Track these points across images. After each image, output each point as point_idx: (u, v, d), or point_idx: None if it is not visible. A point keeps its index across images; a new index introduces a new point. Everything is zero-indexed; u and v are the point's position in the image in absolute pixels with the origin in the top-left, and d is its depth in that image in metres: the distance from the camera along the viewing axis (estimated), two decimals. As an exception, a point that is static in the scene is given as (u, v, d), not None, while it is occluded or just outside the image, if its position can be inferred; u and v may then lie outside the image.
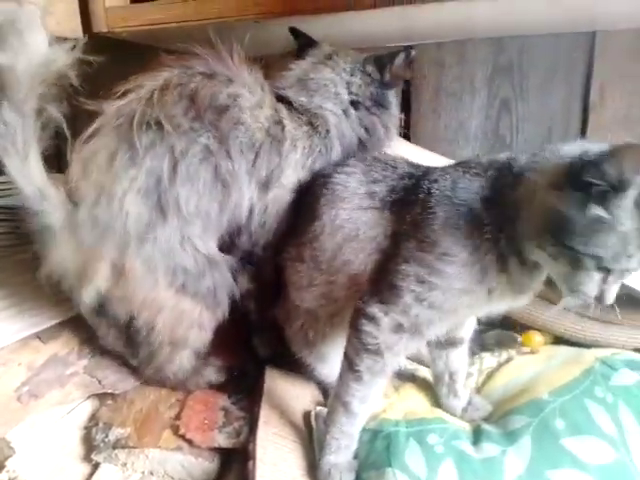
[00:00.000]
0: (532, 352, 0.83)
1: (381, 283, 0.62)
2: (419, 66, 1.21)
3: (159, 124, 0.66)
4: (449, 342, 0.71)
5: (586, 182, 0.49)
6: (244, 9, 0.77)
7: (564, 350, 0.81)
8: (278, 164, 0.72)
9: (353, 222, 0.65)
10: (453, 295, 0.58)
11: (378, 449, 0.62)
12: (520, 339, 0.87)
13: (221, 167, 0.69)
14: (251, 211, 0.73)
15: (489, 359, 0.82)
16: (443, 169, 0.65)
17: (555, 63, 1.12)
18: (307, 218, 0.71)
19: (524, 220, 0.55)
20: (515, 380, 0.76)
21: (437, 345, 0.71)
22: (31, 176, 0.64)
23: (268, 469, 0.59)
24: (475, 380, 0.79)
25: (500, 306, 0.63)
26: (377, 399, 0.64)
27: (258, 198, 0.73)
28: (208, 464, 0.66)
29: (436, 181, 0.62)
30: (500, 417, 0.70)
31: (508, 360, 0.81)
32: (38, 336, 0.72)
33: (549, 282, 0.81)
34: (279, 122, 0.73)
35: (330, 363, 0.74)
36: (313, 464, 0.63)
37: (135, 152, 0.66)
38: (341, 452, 0.62)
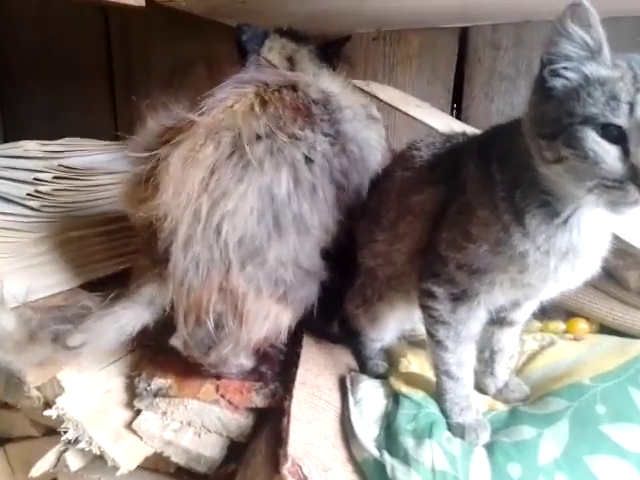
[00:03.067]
0: (576, 339, 0.81)
1: (431, 255, 0.63)
2: (474, 48, 1.19)
3: (269, 136, 0.62)
4: (499, 320, 0.70)
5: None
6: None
7: (610, 339, 0.79)
8: (379, 141, 0.75)
9: (416, 193, 0.66)
10: (484, 258, 0.58)
11: (421, 422, 0.62)
12: (564, 326, 0.85)
13: (337, 168, 0.67)
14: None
15: (531, 342, 0.80)
16: (477, 135, 0.67)
17: (618, 47, 1.08)
18: (379, 179, 0.75)
19: (523, 152, 0.54)
20: (556, 364, 0.74)
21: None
22: None
23: (302, 426, 0.60)
24: (515, 362, 0.77)
25: (548, 280, 0.58)
26: (472, 360, 0.65)
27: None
28: (243, 420, 0.68)
29: (469, 147, 0.64)
30: (538, 399, 0.68)
31: (551, 344, 0.79)
32: (86, 287, 0.75)
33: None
34: (367, 105, 0.76)
35: (380, 325, 0.76)
36: (345, 426, 0.63)
37: (245, 166, 0.60)
38: (465, 413, 0.64)
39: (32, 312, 0.60)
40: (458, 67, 1.21)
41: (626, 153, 0.46)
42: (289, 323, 0.69)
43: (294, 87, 0.68)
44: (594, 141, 0.46)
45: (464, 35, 1.19)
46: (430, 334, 0.65)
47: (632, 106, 0.45)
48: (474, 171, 0.60)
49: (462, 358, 0.64)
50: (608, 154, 0.46)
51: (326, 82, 0.74)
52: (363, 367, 0.77)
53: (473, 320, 0.63)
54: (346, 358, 0.79)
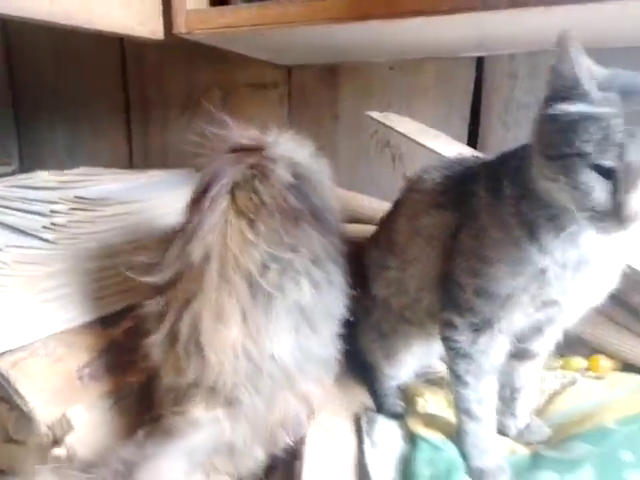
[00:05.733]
0: (598, 378, 0.79)
1: (448, 284, 0.62)
2: (490, 78, 1.19)
3: (276, 260, 0.61)
4: (520, 352, 0.67)
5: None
6: (315, 15, 0.77)
7: (633, 378, 0.76)
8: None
9: (426, 216, 0.65)
10: (503, 281, 0.56)
11: (438, 466, 0.60)
12: (586, 363, 0.83)
13: (333, 245, 0.67)
14: None
15: (551, 380, 0.78)
16: (489, 160, 0.65)
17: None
18: (391, 210, 0.75)
19: (530, 166, 0.54)
20: (579, 405, 0.72)
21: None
22: None
23: (315, 471, 0.58)
24: (536, 401, 0.75)
25: (568, 293, 0.57)
26: (494, 397, 0.63)
27: None
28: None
29: (481, 172, 0.62)
30: (560, 442, 0.66)
31: (572, 383, 0.77)
32: (101, 322, 0.75)
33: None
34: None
35: (396, 361, 0.75)
36: (361, 470, 0.61)
37: (269, 298, 0.60)
38: (485, 457, 0.62)
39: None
40: (475, 96, 1.20)
41: (616, 189, 0.47)
42: None
43: (263, 172, 0.64)
44: (586, 175, 0.47)
45: (480, 64, 1.19)
46: (451, 369, 0.63)
47: (622, 148, 0.45)
48: (486, 194, 0.59)
49: (483, 395, 0.62)
50: (598, 188, 0.47)
51: (285, 143, 0.69)
52: (379, 406, 0.75)
53: (495, 350, 0.61)
54: (362, 396, 0.77)
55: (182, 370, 0.60)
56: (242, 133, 0.68)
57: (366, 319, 0.76)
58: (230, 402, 0.60)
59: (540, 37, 1.01)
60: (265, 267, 0.61)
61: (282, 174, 0.65)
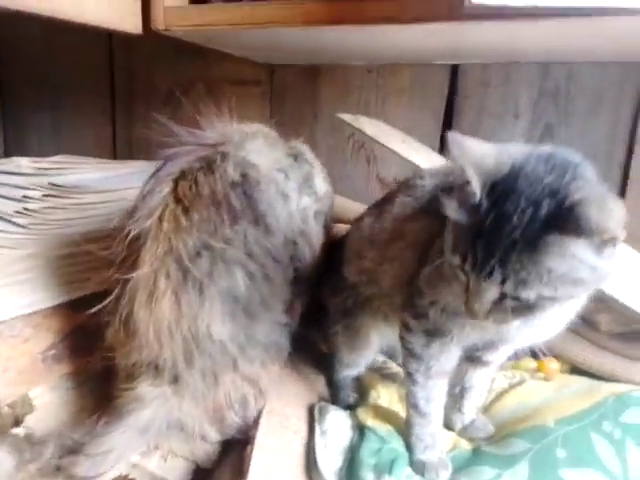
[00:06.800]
0: (546, 379, 0.82)
1: (413, 287, 0.64)
2: (463, 85, 1.22)
3: (207, 247, 0.64)
4: (474, 359, 0.70)
5: None
6: (292, 18, 0.80)
7: (579, 380, 0.80)
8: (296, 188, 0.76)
9: (412, 222, 0.67)
10: (452, 298, 0.58)
11: (383, 457, 0.63)
12: (535, 364, 0.86)
13: (273, 245, 0.69)
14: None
15: (501, 379, 0.81)
16: None
17: (603, 91, 1.11)
18: (381, 201, 0.76)
19: None
20: (524, 404, 0.76)
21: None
22: None
23: (265, 455, 0.61)
24: (484, 400, 0.78)
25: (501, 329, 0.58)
26: (442, 397, 0.66)
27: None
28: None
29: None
30: (501, 439, 0.69)
31: (520, 383, 0.81)
32: (69, 305, 0.77)
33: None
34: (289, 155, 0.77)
35: (356, 347, 0.77)
36: (309, 457, 0.64)
37: (200, 284, 0.63)
38: (428, 451, 0.65)
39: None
40: (449, 103, 1.24)
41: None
42: None
43: (209, 166, 0.67)
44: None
45: (455, 72, 1.22)
46: (404, 366, 0.66)
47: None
48: None
49: (431, 394, 0.65)
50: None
51: (250, 144, 0.72)
52: (334, 397, 0.78)
53: (446, 356, 0.63)
54: (319, 386, 0.80)
55: (126, 348, 0.63)
56: (211, 129, 0.70)
57: (332, 299, 0.78)
58: (175, 379, 0.63)
59: (512, 50, 1.06)
60: (197, 254, 0.64)
61: (228, 171, 0.67)
